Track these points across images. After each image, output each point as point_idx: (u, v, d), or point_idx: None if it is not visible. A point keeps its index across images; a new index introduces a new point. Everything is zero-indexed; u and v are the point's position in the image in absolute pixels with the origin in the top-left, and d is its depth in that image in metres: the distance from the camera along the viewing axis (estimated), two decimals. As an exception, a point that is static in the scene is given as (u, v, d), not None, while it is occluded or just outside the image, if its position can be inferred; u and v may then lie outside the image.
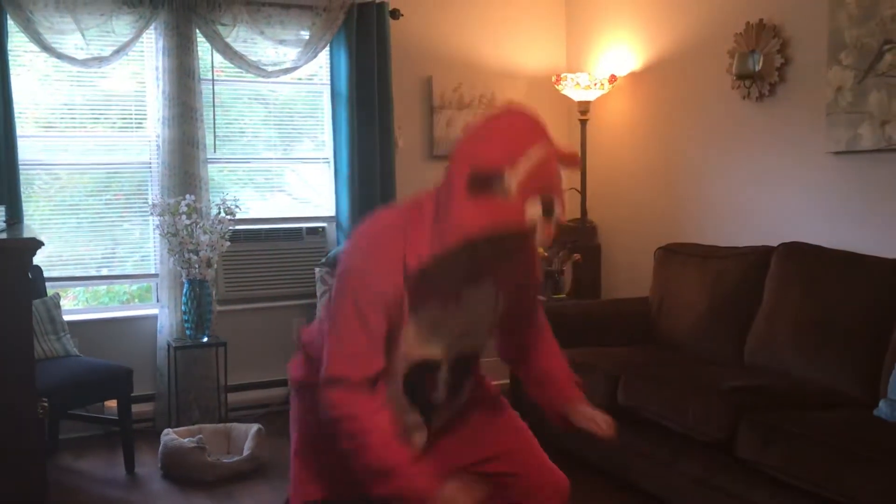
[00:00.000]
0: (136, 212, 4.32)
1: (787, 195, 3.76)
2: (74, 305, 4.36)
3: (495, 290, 1.73)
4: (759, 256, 3.58)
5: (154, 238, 4.23)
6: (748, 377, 3.15)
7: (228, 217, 4.03)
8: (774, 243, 3.58)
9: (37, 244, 1.72)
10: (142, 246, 4.33)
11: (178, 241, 3.95)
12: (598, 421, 1.86)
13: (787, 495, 2.57)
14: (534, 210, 1.48)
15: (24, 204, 3.94)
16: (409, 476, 1.60)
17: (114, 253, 4.29)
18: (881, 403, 2.71)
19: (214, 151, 4.40)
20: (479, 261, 1.62)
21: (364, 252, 1.60)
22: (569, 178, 5.12)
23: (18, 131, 3.90)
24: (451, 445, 1.85)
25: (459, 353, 1.74)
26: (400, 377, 1.70)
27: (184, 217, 3.95)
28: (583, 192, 4.88)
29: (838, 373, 3.05)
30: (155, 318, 4.27)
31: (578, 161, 1.69)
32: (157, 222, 4.03)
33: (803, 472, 2.46)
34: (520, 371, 1.99)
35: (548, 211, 1.49)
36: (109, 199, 4.28)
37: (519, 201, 1.47)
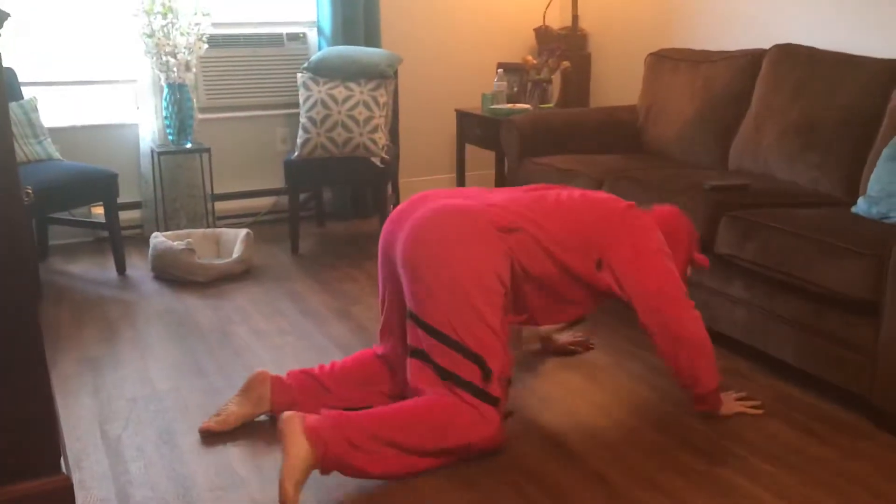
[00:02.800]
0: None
1: (784, -4, 3.64)
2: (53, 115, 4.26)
3: None
4: (751, 60, 3.52)
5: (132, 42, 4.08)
6: (731, 178, 3.18)
7: (205, 15, 3.88)
8: (768, 46, 3.50)
9: (2, 15, 1.63)
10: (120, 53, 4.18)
11: (155, 42, 3.83)
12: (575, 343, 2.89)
13: (761, 286, 2.67)
14: None
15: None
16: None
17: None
18: (859, 200, 2.75)
19: (187, -52, 4.16)
20: None
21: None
22: (560, -18, 4.94)
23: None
24: None
25: None
26: None
27: (159, 17, 3.80)
28: (574, -3, 4.70)
29: (821, 175, 3.08)
30: (136, 126, 4.21)
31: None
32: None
33: (778, 263, 2.53)
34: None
35: None
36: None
37: None
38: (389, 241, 2.29)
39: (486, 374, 2.12)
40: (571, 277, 2.29)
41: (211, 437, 2.30)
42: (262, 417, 2.38)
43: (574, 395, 2.58)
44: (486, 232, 2.19)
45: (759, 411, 2.42)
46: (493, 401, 2.13)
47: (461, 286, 2.13)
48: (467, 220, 2.20)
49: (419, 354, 2.17)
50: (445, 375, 2.12)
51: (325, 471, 2.00)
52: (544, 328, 2.87)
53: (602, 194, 2.43)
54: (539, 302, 2.33)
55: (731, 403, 2.44)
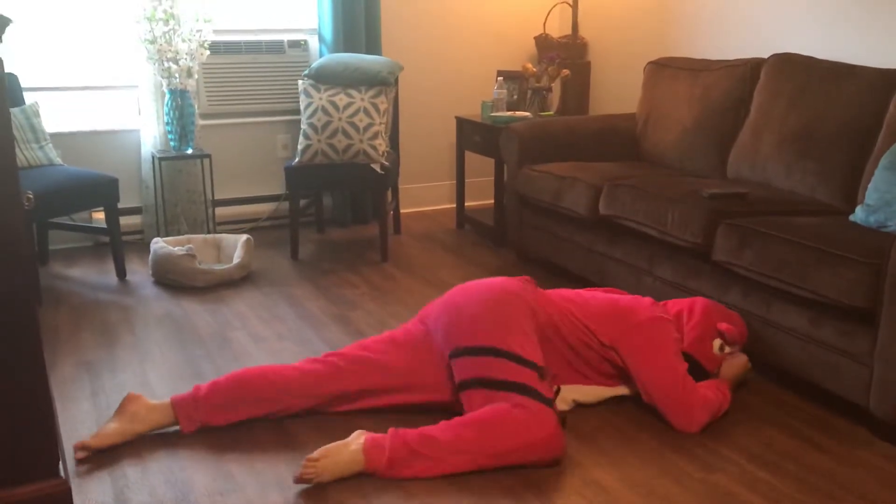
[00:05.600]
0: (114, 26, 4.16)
1: (782, 5, 3.65)
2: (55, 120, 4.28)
3: None
4: (750, 69, 3.54)
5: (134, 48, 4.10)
6: (729, 186, 3.19)
7: (206, 21, 3.90)
8: (767, 55, 3.52)
9: (4, 21, 1.65)
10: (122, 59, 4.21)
11: (157, 48, 3.85)
12: None
13: (759, 294, 2.68)
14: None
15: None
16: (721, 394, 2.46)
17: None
18: (857, 209, 2.76)
19: (189, -44, 4.19)
20: None
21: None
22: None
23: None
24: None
25: None
26: None
27: (161, 24, 3.82)
28: (574, 6, 4.72)
29: (819, 183, 3.09)
30: (137, 132, 4.23)
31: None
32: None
33: (776, 271, 2.54)
34: None
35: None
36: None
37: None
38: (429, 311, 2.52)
39: (541, 372, 2.24)
40: (590, 344, 2.50)
41: (205, 443, 2.31)
42: (175, 428, 2.36)
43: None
44: (515, 284, 2.48)
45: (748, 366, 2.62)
46: (546, 401, 2.18)
47: (499, 309, 2.35)
48: (498, 278, 2.52)
49: (470, 383, 2.26)
50: (502, 386, 2.19)
51: (382, 470, 2.11)
52: None
53: (631, 300, 2.60)
54: (566, 356, 2.50)
55: (730, 376, 2.58)
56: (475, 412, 2.18)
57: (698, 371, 2.52)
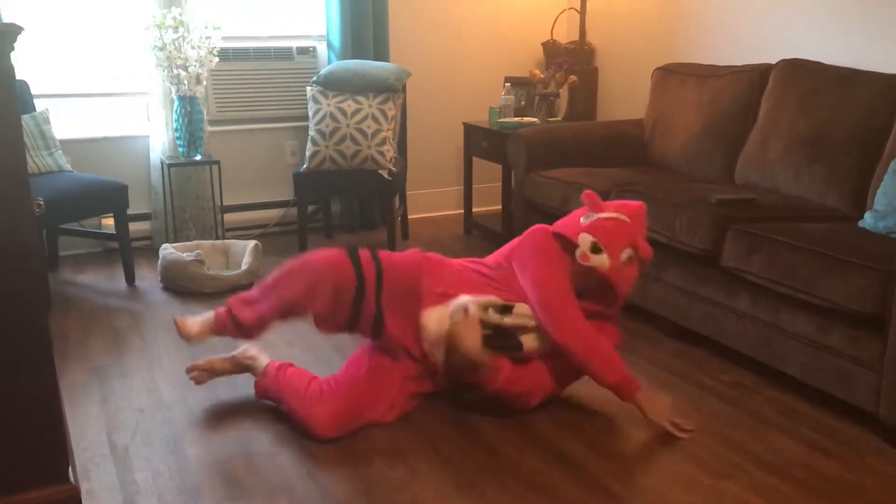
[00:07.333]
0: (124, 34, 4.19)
1: (791, 10, 3.65)
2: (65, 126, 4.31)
3: None
4: (758, 74, 3.54)
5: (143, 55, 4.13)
6: (737, 192, 3.18)
7: (215, 28, 3.92)
8: (775, 61, 3.52)
9: (16, 29, 1.66)
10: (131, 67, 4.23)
11: (166, 55, 3.87)
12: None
13: (767, 300, 2.67)
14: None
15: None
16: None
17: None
18: (866, 215, 2.76)
19: (199, -37, 4.21)
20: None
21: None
22: (568, -3, 4.98)
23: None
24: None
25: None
26: None
27: (170, 31, 3.84)
28: (582, 12, 4.73)
29: (828, 189, 3.08)
30: (147, 138, 4.25)
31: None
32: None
33: (784, 277, 2.53)
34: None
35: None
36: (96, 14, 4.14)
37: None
38: None
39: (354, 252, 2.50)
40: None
41: (214, 449, 2.32)
42: (186, 429, 2.39)
43: (579, 407, 2.58)
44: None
45: (685, 436, 2.36)
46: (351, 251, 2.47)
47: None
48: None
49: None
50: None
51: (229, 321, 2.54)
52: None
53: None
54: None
55: (659, 411, 2.39)
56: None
57: (600, 284, 2.46)
